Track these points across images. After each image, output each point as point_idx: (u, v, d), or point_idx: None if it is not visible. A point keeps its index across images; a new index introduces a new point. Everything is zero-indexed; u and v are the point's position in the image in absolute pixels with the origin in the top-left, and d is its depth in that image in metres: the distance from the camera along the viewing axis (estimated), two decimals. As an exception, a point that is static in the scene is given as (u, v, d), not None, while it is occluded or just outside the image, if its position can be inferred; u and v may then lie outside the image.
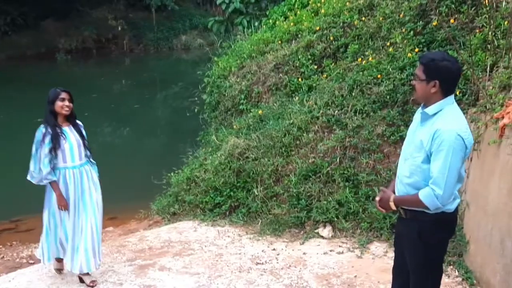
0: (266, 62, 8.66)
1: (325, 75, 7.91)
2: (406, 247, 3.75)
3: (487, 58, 6.30)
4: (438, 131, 3.39)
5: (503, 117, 5.03)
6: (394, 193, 3.76)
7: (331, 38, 8.30)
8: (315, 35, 8.46)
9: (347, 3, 8.60)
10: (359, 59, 7.64)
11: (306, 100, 7.61)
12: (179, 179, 7.81)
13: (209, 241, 6.51)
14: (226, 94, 8.87)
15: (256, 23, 11.90)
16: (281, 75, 8.42)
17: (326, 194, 6.67)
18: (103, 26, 29.96)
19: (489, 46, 6.46)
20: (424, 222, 3.53)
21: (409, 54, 7.19)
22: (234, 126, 8.06)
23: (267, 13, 11.76)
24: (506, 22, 6.41)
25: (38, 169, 5.23)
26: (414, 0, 7.71)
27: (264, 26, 10.63)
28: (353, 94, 7.22)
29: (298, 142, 7.15)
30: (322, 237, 6.42)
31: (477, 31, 6.92)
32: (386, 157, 6.77)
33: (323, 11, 8.92)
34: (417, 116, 3.75)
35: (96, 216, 5.42)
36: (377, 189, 6.46)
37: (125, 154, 13.31)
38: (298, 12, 9.71)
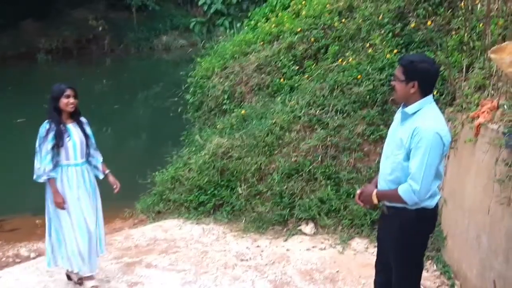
0: (249, 63, 8.80)
1: (307, 76, 8.07)
2: (388, 242, 3.91)
3: (463, 59, 6.50)
4: (417, 129, 3.55)
5: (478, 117, 5.21)
6: (376, 188, 3.92)
7: (312, 39, 8.45)
8: (296, 37, 8.61)
9: (327, 5, 8.75)
10: (340, 60, 7.80)
11: (288, 100, 7.76)
12: (163, 178, 7.90)
13: (194, 239, 6.65)
14: (209, 94, 8.99)
15: (238, 24, 12.03)
16: (263, 75, 8.56)
17: (308, 192, 6.83)
18: (83, 26, 29.75)
19: (465, 47, 6.67)
20: (406, 218, 3.69)
21: (388, 55, 7.37)
22: (218, 126, 8.19)
23: (249, 14, 11.88)
24: (481, 25, 6.60)
25: (40, 165, 5.15)
26: (393, 3, 7.89)
27: (246, 27, 10.76)
28: (334, 94, 7.38)
29: (280, 141, 7.29)
30: (305, 234, 6.58)
31: (454, 33, 7.13)
32: (366, 156, 6.95)
33: (304, 13, 9.07)
34: (397, 116, 3.92)
35: (99, 216, 5.43)
36: (358, 187, 6.60)
37: (107, 154, 13.29)
38: (280, 13, 9.85)
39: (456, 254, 5.47)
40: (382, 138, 6.82)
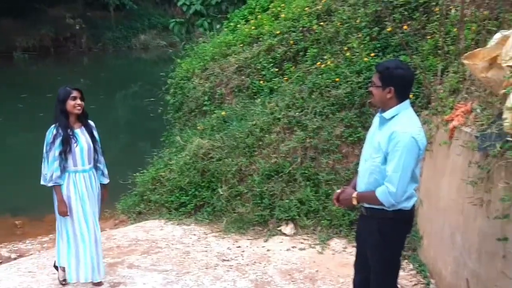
0: (229, 64, 8.89)
1: (286, 78, 8.18)
2: (367, 243, 4.04)
3: (438, 63, 6.67)
4: (394, 133, 3.69)
5: (453, 120, 5.37)
6: (355, 189, 4.06)
7: (291, 42, 8.57)
8: (275, 39, 8.72)
9: (306, 8, 8.87)
10: (318, 63, 7.93)
11: (268, 102, 7.87)
12: (144, 179, 7.99)
13: (176, 239, 6.73)
14: (190, 96, 9.07)
15: (218, 26, 12.10)
16: (243, 77, 8.67)
17: (288, 193, 6.97)
18: (61, 25, 29.66)
19: (439, 51, 6.84)
20: (384, 219, 3.83)
21: (366, 59, 7.52)
22: (198, 127, 8.28)
23: (228, 16, 11.97)
24: (455, 29, 6.79)
25: (47, 171, 5.06)
26: (370, 7, 8.04)
27: (225, 29, 10.84)
28: (313, 96, 7.51)
29: (260, 142, 7.41)
30: (285, 234, 6.71)
31: (429, 37, 7.30)
32: (344, 157, 7.10)
33: (283, 15, 9.18)
34: (375, 120, 4.05)
35: (98, 225, 5.36)
36: (337, 188, 6.70)
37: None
38: (259, 16, 9.96)
39: (432, 253, 5.64)
40: (360, 140, 6.99)
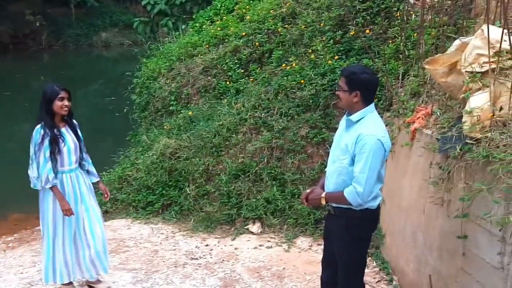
0: (195, 65, 8.99)
1: (252, 79, 8.33)
2: (334, 241, 4.20)
3: (399, 67, 6.90)
4: (360, 136, 3.86)
5: (414, 122, 5.57)
6: (323, 190, 4.22)
7: (257, 43, 8.72)
8: (241, 40, 8.86)
9: (271, 11, 9.03)
10: (283, 65, 8.09)
11: (234, 103, 8.00)
12: (110, 178, 8.03)
13: (144, 238, 6.80)
14: (156, 95, 9.14)
15: (183, 26, 12.18)
16: (209, 78, 8.79)
17: (255, 192, 7.10)
18: (20, 21, 29.12)
19: (400, 55, 7.07)
20: (351, 218, 4.00)
21: (330, 61, 7.71)
22: (165, 127, 8.35)
23: (194, 16, 12.05)
24: (415, 34, 7.04)
25: (40, 174, 4.85)
26: (333, 11, 8.24)
27: (191, 30, 10.93)
28: (279, 97, 7.67)
29: (227, 142, 7.53)
30: (252, 232, 6.84)
31: (390, 41, 7.55)
32: (309, 158, 7.27)
33: (248, 17, 9.32)
34: (342, 123, 4.22)
35: (100, 219, 5.29)
36: (302, 188, 6.96)
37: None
38: (224, 17, 10.08)
39: (394, 251, 5.85)
40: (325, 141, 7.20)
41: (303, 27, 8.42)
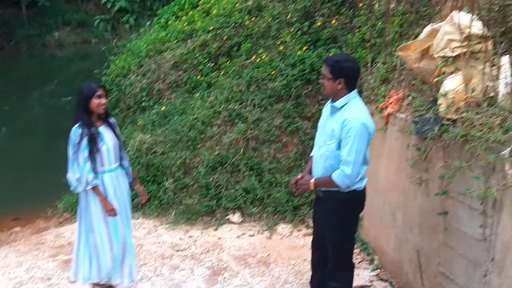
0: (165, 60, 9.06)
1: (222, 72, 8.45)
2: (324, 223, 4.39)
3: (367, 55, 7.12)
4: (346, 121, 4.06)
5: (386, 107, 5.82)
6: (310, 173, 4.40)
7: (225, 37, 8.83)
8: (209, 35, 8.96)
9: (237, 4, 9.15)
10: (253, 57, 8.24)
11: (207, 96, 8.11)
12: (86, 176, 8.03)
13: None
14: (127, 92, 9.16)
15: (148, 22, 12.18)
16: (180, 72, 8.86)
17: (233, 183, 7.25)
18: (-32, 23, 28.46)
19: (367, 44, 7.31)
20: (339, 200, 4.20)
21: (299, 52, 7.90)
22: (139, 123, 8.40)
23: (155, 12, 12.07)
24: (380, 23, 7.28)
25: (79, 175, 4.74)
26: (299, 3, 8.45)
27: (156, 26, 10.96)
28: (251, 89, 7.81)
29: (203, 135, 7.64)
30: (233, 222, 7.00)
31: (356, 30, 7.78)
32: (284, 147, 7.46)
33: (214, 11, 9.42)
34: (326, 109, 4.41)
35: (130, 225, 5.24)
36: (279, 176, 7.16)
37: (8, 156, 13.07)
38: (190, 12, 10.15)
39: (373, 232, 6.09)
40: (299, 130, 7.41)
41: (270, 19, 8.59)
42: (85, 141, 4.71)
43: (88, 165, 4.73)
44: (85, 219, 5.02)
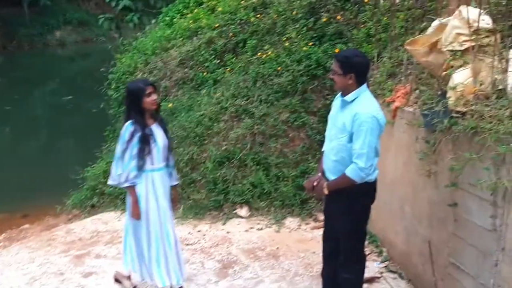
0: (171, 58, 9.13)
1: (228, 69, 8.52)
2: (335, 215, 4.44)
3: (372, 50, 7.19)
4: (357, 114, 4.11)
5: (394, 101, 5.88)
6: (324, 171, 4.45)
7: (230, 34, 8.90)
8: (215, 32, 9.03)
9: (242, 2, 9.23)
10: (259, 53, 8.30)
11: (213, 93, 8.18)
12: (95, 173, 8.11)
13: (136, 229, 6.92)
14: (133, 90, 9.21)
15: (153, 20, 12.24)
16: (186, 69, 8.93)
17: (240, 177, 7.31)
18: (-29, 23, 28.56)
19: (372, 39, 7.37)
20: (351, 192, 4.24)
21: (304, 48, 7.96)
22: (146, 120, 8.44)
23: (162, 10, 12.13)
24: (385, 18, 7.34)
25: (122, 171, 4.73)
26: (304, -1, 8.52)
27: (161, 24, 11.03)
28: (257, 85, 7.88)
29: (210, 131, 7.70)
30: (241, 216, 7.06)
31: (362, 26, 7.84)
32: (291, 141, 7.53)
33: (220, 9, 9.49)
34: (336, 103, 4.46)
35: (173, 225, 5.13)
36: (286, 170, 7.23)
37: (14, 154, 13.16)
38: (195, 10, 10.22)
39: (381, 224, 6.15)
40: (305, 124, 7.48)
41: (275, 16, 8.66)
42: (136, 139, 4.67)
43: (134, 163, 4.71)
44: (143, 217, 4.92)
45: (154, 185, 4.84)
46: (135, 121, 4.70)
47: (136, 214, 4.84)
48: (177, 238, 5.06)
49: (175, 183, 5.23)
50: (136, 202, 4.81)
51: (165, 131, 4.95)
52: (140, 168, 4.73)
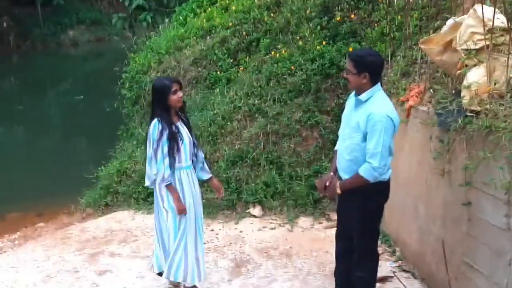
0: (184, 57, 9.17)
1: (242, 68, 8.54)
2: (349, 214, 4.44)
3: (386, 49, 7.17)
4: (371, 114, 4.10)
5: (408, 100, 5.86)
6: (336, 171, 4.46)
7: (244, 33, 8.93)
8: (228, 31, 9.07)
9: (256, 1, 9.26)
10: (273, 52, 8.32)
11: (226, 92, 8.21)
12: (109, 172, 8.16)
13: (150, 228, 6.90)
14: (147, 89, 9.27)
15: (167, 20, 12.30)
16: (200, 69, 8.98)
17: (253, 177, 7.33)
18: (-14, 23, 28.80)
19: (386, 38, 7.35)
20: (365, 191, 4.24)
21: (318, 47, 7.96)
22: (160, 119, 8.49)
23: (173, 9, 12.19)
24: (399, 16, 7.32)
25: (158, 171, 4.69)
26: (318, -2, 8.52)
27: (175, 23, 11.08)
28: (270, 84, 7.90)
29: (223, 130, 7.73)
30: (254, 216, 7.07)
31: (375, 25, 7.82)
32: (304, 140, 7.54)
33: (233, 8, 9.52)
34: (350, 102, 4.45)
35: (203, 224, 5.16)
36: (299, 170, 7.23)
37: (26, 154, 13.28)
38: (208, 9, 10.26)
39: (394, 224, 6.14)
40: (318, 124, 7.48)
41: (289, 15, 8.68)
42: (165, 137, 4.65)
43: (166, 161, 4.68)
44: (165, 215, 4.93)
45: (182, 184, 4.83)
46: (162, 118, 4.68)
47: (183, 210, 4.80)
48: (201, 237, 5.06)
49: (208, 176, 5.22)
50: (178, 199, 4.78)
51: (189, 129, 4.95)
52: (172, 166, 4.73)
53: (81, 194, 8.51)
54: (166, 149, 4.66)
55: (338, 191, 4.32)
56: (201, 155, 5.15)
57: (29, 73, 25.79)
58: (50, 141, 15.09)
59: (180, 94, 4.74)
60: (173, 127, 4.71)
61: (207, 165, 5.26)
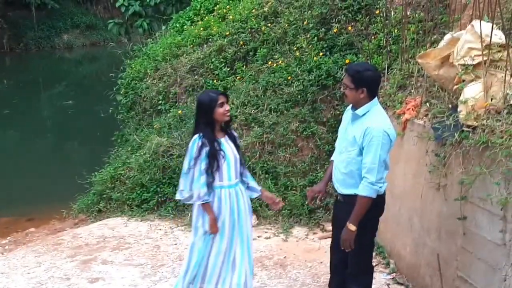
0: (181, 64, 9.17)
1: (238, 77, 8.55)
2: (344, 226, 4.45)
3: (383, 62, 7.22)
4: (368, 129, 4.13)
5: (404, 113, 5.89)
6: (329, 180, 4.52)
7: (241, 42, 8.93)
8: (225, 40, 9.07)
9: (253, 10, 9.26)
10: (270, 62, 8.34)
11: (223, 101, 8.19)
12: (102, 178, 8.14)
13: (143, 235, 6.95)
14: (143, 95, 9.28)
15: (163, 27, 12.32)
16: (196, 77, 8.97)
17: (249, 185, 7.33)
18: (-20, 25, 28.72)
19: (382, 51, 7.40)
20: None
21: (315, 58, 7.98)
22: (155, 126, 8.50)
23: (169, 17, 12.20)
24: (396, 30, 7.37)
25: (190, 188, 4.48)
26: (316, 9, 8.52)
27: (171, 30, 11.09)
28: (267, 94, 7.92)
29: (219, 139, 7.72)
30: (248, 225, 7.07)
31: (372, 37, 7.87)
32: (300, 151, 7.56)
33: (231, 17, 9.53)
34: (347, 116, 4.48)
35: (250, 251, 4.83)
36: (295, 180, 7.24)
37: (18, 158, 13.23)
38: (206, 17, 10.28)
39: (389, 236, 6.15)
40: (314, 134, 7.50)
41: (286, 25, 8.69)
42: (204, 154, 4.43)
43: (203, 179, 4.45)
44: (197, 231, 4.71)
45: (221, 204, 4.56)
46: (204, 134, 4.47)
47: (215, 231, 4.56)
48: (241, 264, 4.71)
49: (256, 195, 4.97)
50: (214, 219, 4.53)
51: (236, 145, 4.72)
52: (210, 185, 4.49)
53: (73, 199, 8.51)
54: (204, 166, 4.44)
55: (352, 228, 4.21)
56: (246, 173, 4.89)
57: (22, 75, 25.72)
58: (44, 145, 15.03)
59: (227, 107, 4.53)
60: (215, 144, 4.49)
61: (254, 181, 4.98)
